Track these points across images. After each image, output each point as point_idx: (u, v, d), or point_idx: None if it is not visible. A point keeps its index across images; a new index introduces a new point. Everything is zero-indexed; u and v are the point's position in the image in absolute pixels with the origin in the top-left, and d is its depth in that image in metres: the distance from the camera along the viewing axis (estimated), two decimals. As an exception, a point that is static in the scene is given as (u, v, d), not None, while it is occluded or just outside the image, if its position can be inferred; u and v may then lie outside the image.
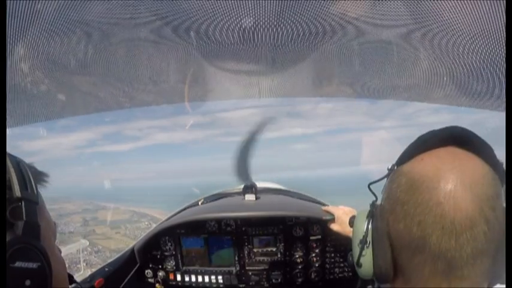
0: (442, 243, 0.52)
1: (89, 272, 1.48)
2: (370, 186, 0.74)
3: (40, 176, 0.63)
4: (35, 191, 0.57)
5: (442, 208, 0.53)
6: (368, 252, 0.65)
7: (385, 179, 0.68)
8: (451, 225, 0.52)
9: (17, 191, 0.53)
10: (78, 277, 1.40)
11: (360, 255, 0.66)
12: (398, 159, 0.66)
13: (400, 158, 0.66)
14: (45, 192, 0.64)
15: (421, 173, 0.57)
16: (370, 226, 0.65)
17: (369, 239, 0.65)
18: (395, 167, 0.66)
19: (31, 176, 0.57)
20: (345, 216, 1.37)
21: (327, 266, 1.64)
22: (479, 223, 0.51)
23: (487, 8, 1.01)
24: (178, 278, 1.69)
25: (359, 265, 0.67)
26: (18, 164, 0.55)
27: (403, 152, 0.66)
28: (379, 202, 0.69)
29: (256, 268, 1.66)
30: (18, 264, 0.49)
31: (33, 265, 0.51)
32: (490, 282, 0.57)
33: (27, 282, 0.50)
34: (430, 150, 0.60)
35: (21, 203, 0.53)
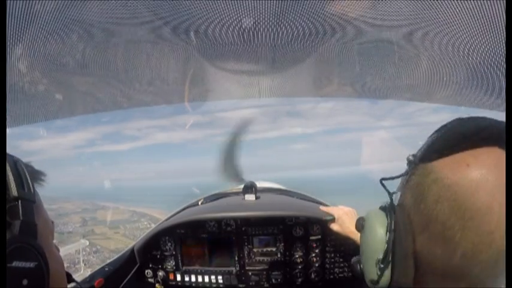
0: (483, 274, 0.46)
1: (88, 272, 1.48)
2: (384, 183, 0.61)
3: (37, 175, 0.63)
4: (32, 190, 0.57)
5: (493, 238, 0.45)
6: (387, 272, 0.56)
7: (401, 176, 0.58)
8: (498, 255, 0.45)
9: (14, 190, 0.52)
10: (78, 277, 1.40)
11: (381, 276, 0.56)
12: (424, 152, 0.54)
13: (428, 152, 0.53)
14: (43, 191, 0.64)
15: (471, 190, 0.46)
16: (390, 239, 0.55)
17: (389, 256, 0.55)
18: (422, 164, 0.53)
19: (28, 175, 0.56)
20: (345, 216, 1.37)
21: (327, 266, 1.64)
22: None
23: (487, 8, 1.01)
24: (178, 278, 1.69)
25: (374, 282, 0.59)
26: (15, 163, 0.55)
27: (431, 143, 0.53)
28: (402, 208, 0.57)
29: (256, 268, 1.66)
30: (15, 263, 0.49)
31: (30, 264, 0.51)
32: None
33: (25, 282, 0.50)
34: (472, 150, 0.48)
35: (18, 202, 0.53)
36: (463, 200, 0.46)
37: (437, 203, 0.48)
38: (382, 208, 0.61)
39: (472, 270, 0.47)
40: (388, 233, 0.55)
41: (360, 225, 0.66)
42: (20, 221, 0.52)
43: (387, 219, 0.57)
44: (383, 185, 0.61)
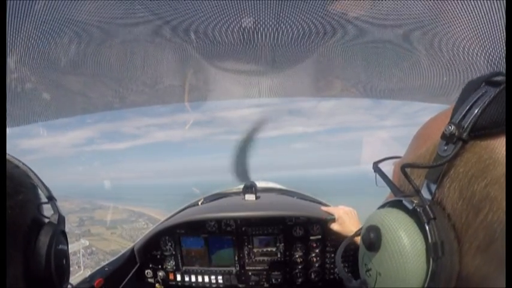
0: None
1: (88, 272, 1.48)
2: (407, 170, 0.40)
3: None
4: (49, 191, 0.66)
5: None
6: None
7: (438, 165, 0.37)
8: None
9: (47, 190, 0.62)
10: (78, 277, 1.40)
11: None
12: (478, 121, 0.34)
13: (485, 122, 0.34)
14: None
15: None
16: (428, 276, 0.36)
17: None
18: (468, 139, 0.34)
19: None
20: (346, 216, 1.37)
21: (327, 266, 1.64)
22: None
23: (487, 8, 1.01)
24: (178, 278, 1.69)
25: None
26: (29, 168, 0.63)
27: (486, 108, 0.34)
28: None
29: (256, 268, 1.66)
30: (60, 246, 0.60)
31: (65, 247, 0.63)
32: None
33: (64, 261, 0.61)
34: None
35: (53, 200, 0.63)
36: None
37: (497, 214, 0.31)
38: (406, 210, 0.40)
39: None
40: (431, 261, 0.35)
41: (373, 240, 0.41)
42: (58, 213, 0.62)
43: (422, 233, 0.37)
44: (405, 173, 0.40)
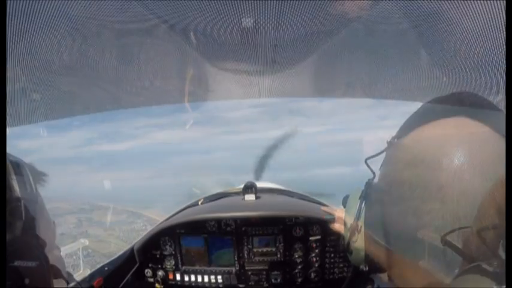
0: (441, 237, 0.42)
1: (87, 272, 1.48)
2: (368, 162, 0.62)
3: (39, 176, 0.63)
4: (35, 191, 0.57)
5: (444, 194, 0.42)
6: (360, 238, 0.58)
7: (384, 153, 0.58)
8: (454, 216, 0.42)
9: (17, 191, 0.53)
10: (77, 277, 1.39)
11: (350, 241, 0.60)
12: (399, 130, 0.55)
13: (401, 130, 0.54)
14: (44, 192, 0.63)
15: (421, 148, 0.46)
16: (362, 208, 0.58)
17: (361, 223, 0.57)
18: (396, 140, 0.54)
19: (30, 176, 0.57)
20: None
21: (327, 266, 1.64)
22: (489, 214, 0.40)
23: (487, 7, 1.01)
24: (178, 277, 1.69)
25: (349, 251, 0.62)
26: (18, 164, 0.56)
27: (404, 123, 0.55)
28: (376, 180, 0.59)
29: (256, 268, 1.66)
30: (17, 263, 0.49)
31: (32, 264, 0.52)
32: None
33: (26, 281, 0.50)
34: (435, 121, 0.49)
35: (21, 203, 0.52)
36: (413, 157, 0.46)
37: (394, 165, 0.50)
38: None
39: (422, 229, 0.44)
40: (358, 202, 0.59)
41: (344, 201, 0.73)
42: (22, 221, 0.52)
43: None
44: (367, 164, 0.61)
